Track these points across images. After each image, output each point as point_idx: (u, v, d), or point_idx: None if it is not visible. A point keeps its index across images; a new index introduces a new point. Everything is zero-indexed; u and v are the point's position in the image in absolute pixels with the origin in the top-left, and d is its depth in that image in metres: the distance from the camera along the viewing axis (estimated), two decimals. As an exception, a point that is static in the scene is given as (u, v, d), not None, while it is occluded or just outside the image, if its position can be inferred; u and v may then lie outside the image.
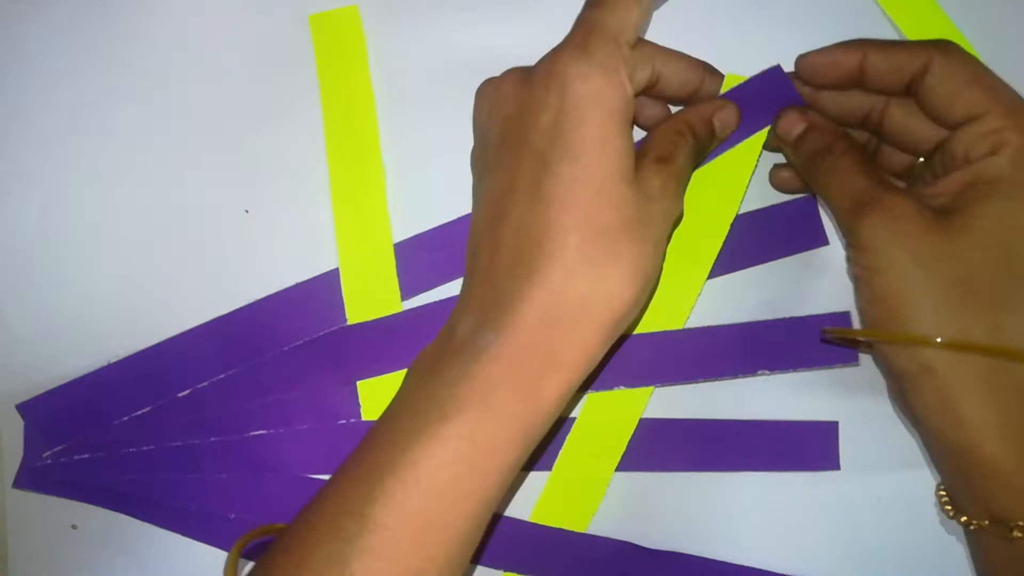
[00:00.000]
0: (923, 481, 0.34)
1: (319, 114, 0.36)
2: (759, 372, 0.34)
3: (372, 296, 0.35)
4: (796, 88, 0.34)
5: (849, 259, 0.32)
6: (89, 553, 0.35)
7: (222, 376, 0.35)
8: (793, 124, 0.33)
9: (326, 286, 0.35)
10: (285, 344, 0.35)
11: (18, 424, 0.35)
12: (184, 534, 0.35)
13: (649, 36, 0.36)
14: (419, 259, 0.35)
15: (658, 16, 0.37)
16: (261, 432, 0.35)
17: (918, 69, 0.31)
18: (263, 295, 0.35)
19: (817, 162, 0.33)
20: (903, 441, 0.34)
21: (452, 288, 0.35)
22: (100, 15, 0.37)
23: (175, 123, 0.37)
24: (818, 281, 0.35)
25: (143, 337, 0.35)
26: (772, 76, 0.34)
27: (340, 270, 0.35)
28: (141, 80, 0.37)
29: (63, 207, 0.36)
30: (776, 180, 0.36)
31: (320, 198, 0.36)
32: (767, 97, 0.34)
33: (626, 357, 0.34)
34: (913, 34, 0.36)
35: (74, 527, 0.35)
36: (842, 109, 0.34)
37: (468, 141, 0.33)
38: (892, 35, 0.36)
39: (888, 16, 0.37)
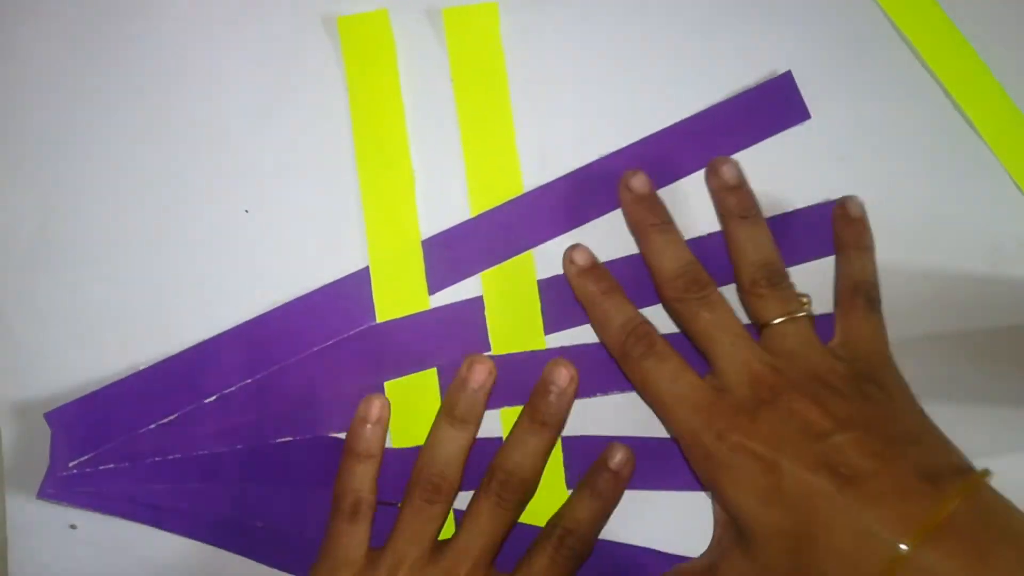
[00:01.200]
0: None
1: (344, 115, 0.36)
2: None
3: (400, 293, 0.35)
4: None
5: None
6: (89, 553, 0.34)
7: (249, 380, 0.34)
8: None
9: (353, 286, 0.35)
10: (313, 346, 0.35)
11: (30, 430, 0.34)
12: (211, 543, 0.34)
13: (646, 38, 0.37)
14: (443, 255, 0.35)
15: (658, 18, 0.37)
16: (287, 439, 0.34)
17: None
18: (290, 298, 0.35)
19: None
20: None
21: (473, 283, 0.36)
22: (106, 14, 0.37)
23: (183, 122, 0.37)
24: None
25: (168, 343, 0.35)
26: (782, 82, 0.35)
27: (371, 268, 0.35)
28: (149, 80, 0.37)
29: (74, 209, 0.36)
30: None
31: (347, 198, 0.36)
32: (775, 104, 0.35)
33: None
34: (914, 34, 0.37)
35: (74, 527, 0.34)
36: None
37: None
38: (893, 35, 0.37)
39: (888, 17, 0.37)
